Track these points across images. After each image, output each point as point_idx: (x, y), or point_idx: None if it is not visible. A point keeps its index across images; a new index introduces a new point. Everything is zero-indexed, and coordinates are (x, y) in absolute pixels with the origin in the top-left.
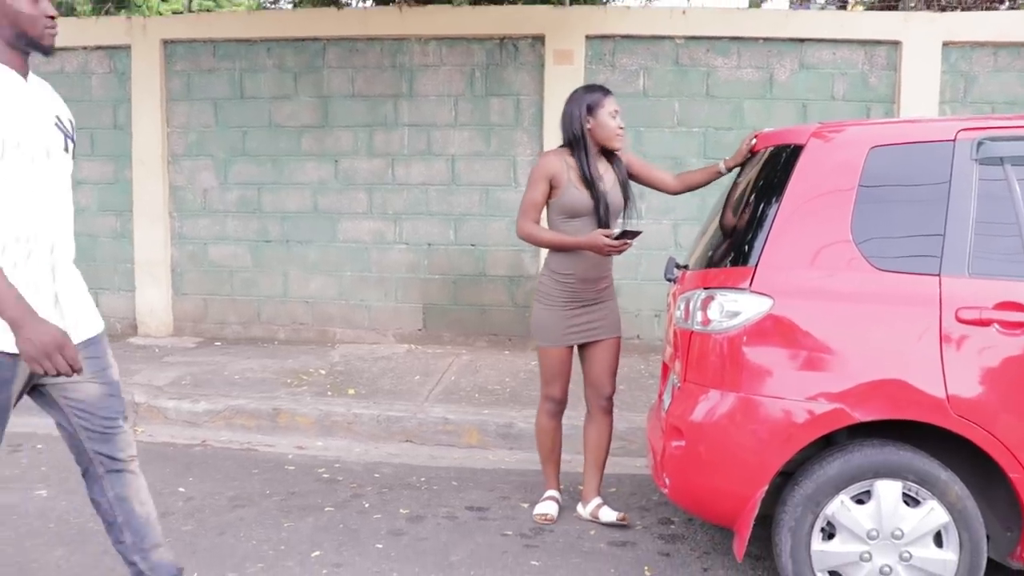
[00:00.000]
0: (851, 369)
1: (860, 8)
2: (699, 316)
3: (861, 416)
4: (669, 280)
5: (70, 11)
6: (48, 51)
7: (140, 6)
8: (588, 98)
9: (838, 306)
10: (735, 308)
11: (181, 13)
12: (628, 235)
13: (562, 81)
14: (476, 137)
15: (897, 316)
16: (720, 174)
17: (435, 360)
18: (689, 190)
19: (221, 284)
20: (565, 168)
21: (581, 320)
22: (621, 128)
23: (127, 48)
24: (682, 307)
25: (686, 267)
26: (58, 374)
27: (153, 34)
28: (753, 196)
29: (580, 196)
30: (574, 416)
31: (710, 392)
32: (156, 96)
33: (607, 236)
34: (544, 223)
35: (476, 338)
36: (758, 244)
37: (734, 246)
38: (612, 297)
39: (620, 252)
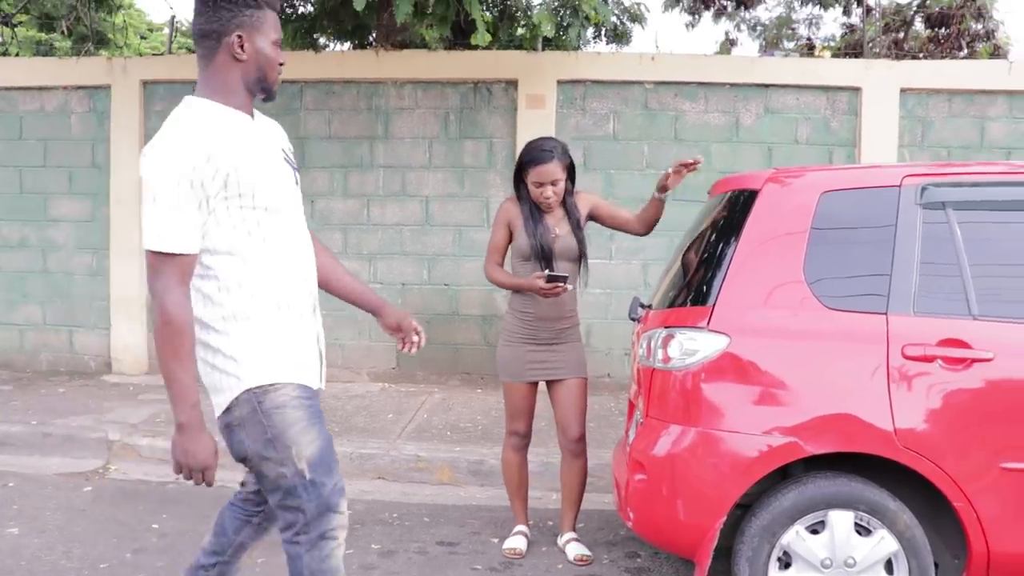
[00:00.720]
0: (804, 404)
1: (827, 53)
2: (660, 354)
3: (814, 449)
4: (633, 320)
5: (50, 50)
6: (274, 95)
7: (121, 47)
8: (520, 161)
9: (791, 344)
10: (694, 346)
11: (161, 54)
12: (555, 279)
13: (535, 125)
14: (450, 179)
15: (847, 353)
16: (661, 201)
17: (408, 398)
18: (648, 226)
19: None
20: (519, 215)
21: (540, 357)
22: (547, 198)
23: (107, 88)
24: (644, 345)
25: (650, 307)
26: (184, 477)
27: (133, 75)
28: (712, 238)
29: (527, 243)
30: (543, 453)
31: (671, 427)
32: (135, 135)
33: (540, 278)
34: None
35: (449, 376)
36: (716, 284)
37: (694, 286)
38: (576, 339)
39: (556, 295)
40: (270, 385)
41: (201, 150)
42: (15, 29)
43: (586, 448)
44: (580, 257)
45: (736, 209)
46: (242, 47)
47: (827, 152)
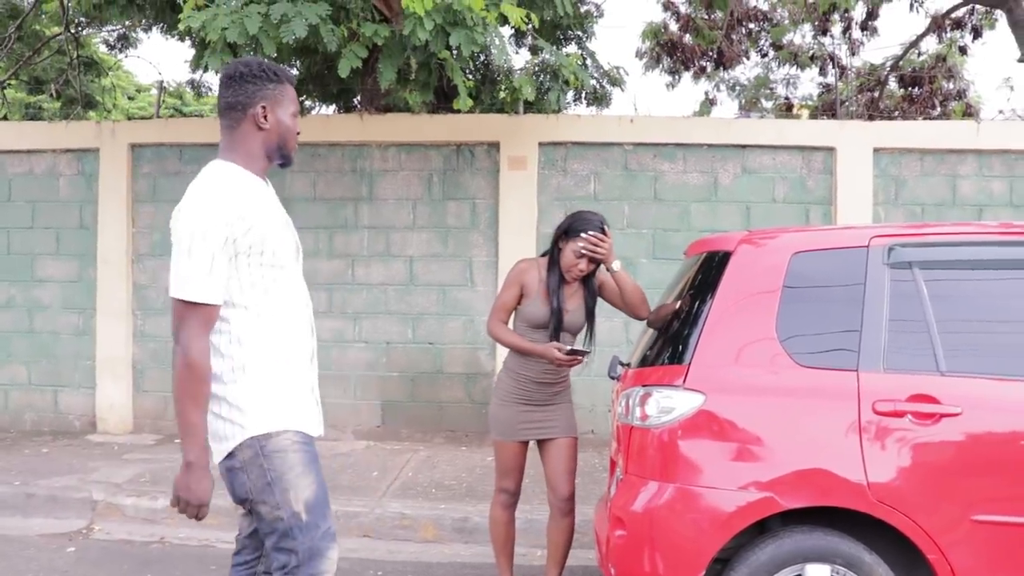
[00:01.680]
0: (780, 459)
1: (805, 112)
2: (638, 412)
3: (790, 503)
4: (613, 378)
5: (39, 113)
6: (291, 162)
7: (109, 110)
8: (569, 224)
9: (765, 400)
10: (670, 404)
11: (149, 116)
12: (578, 353)
13: (516, 185)
14: (434, 239)
15: (820, 409)
16: (617, 275)
17: (393, 456)
18: (635, 307)
19: None
20: (536, 280)
21: (534, 417)
22: (580, 271)
23: (95, 151)
24: (623, 404)
25: (628, 365)
26: (179, 510)
27: (122, 138)
28: (688, 298)
29: (541, 311)
30: (527, 509)
31: (649, 483)
32: (122, 197)
33: (560, 350)
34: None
35: (434, 434)
36: (691, 343)
37: (670, 345)
38: (567, 400)
39: (570, 366)
40: (273, 432)
41: (235, 209)
42: (4, 92)
43: (575, 507)
44: (586, 331)
45: (711, 269)
46: (265, 117)
47: (804, 210)
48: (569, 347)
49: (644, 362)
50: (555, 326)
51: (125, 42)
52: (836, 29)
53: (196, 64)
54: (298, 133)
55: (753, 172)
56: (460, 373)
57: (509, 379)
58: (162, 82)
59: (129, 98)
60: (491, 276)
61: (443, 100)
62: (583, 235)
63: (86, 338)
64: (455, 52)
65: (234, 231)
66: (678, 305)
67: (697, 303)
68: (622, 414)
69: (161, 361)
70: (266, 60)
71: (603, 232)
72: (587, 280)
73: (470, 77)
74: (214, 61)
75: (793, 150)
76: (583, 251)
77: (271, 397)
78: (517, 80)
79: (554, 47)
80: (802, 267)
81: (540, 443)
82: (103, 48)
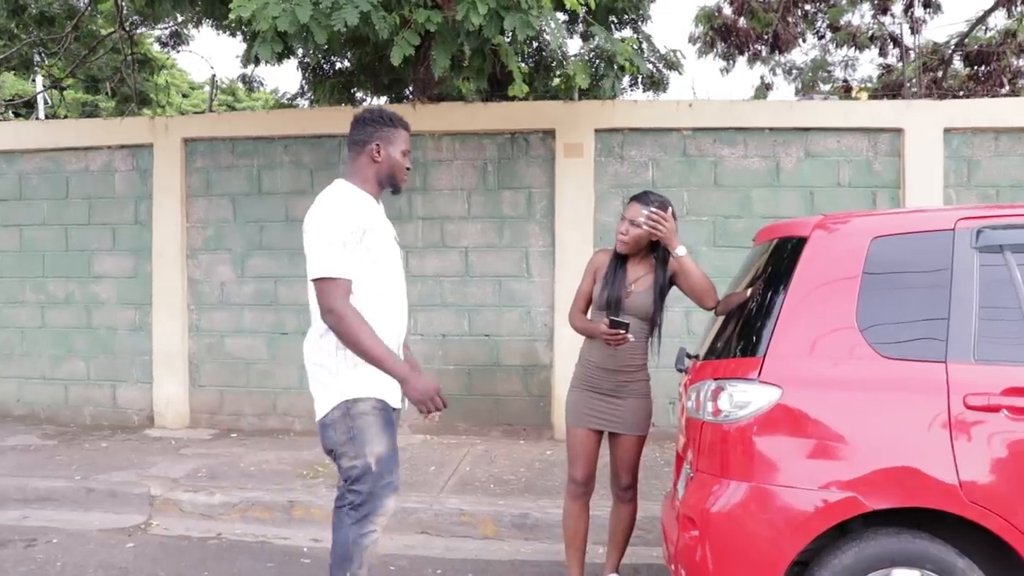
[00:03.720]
0: (862, 457)
1: (864, 95)
2: (709, 407)
3: (874, 504)
4: (680, 371)
5: (95, 111)
6: (400, 191)
7: (163, 107)
8: (632, 199)
9: (846, 395)
10: (744, 399)
11: (202, 112)
12: (616, 324)
13: (572, 174)
14: (489, 229)
15: (906, 404)
16: (680, 259)
17: (450, 451)
18: (701, 296)
19: (237, 376)
20: (604, 265)
21: (599, 406)
22: (621, 232)
23: (149, 147)
24: (693, 398)
25: (697, 357)
26: (430, 412)
27: (175, 133)
28: (759, 287)
29: (597, 291)
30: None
31: (722, 482)
32: (176, 192)
33: (604, 323)
34: None
35: (491, 428)
36: (765, 334)
37: (742, 336)
38: (639, 395)
39: (617, 343)
40: (360, 398)
41: (353, 212)
42: (63, 92)
43: (636, 496)
44: (651, 319)
45: (784, 257)
46: (379, 152)
47: (870, 195)
48: (611, 318)
49: (713, 354)
50: (613, 305)
51: (178, 39)
52: (897, 7)
53: (247, 58)
54: (408, 168)
55: (816, 156)
56: (517, 365)
57: (579, 364)
58: (214, 76)
59: (183, 96)
60: (548, 266)
61: (496, 88)
62: (644, 208)
63: (142, 333)
64: (509, 38)
65: (353, 226)
66: (749, 294)
67: (770, 292)
68: (692, 409)
69: (216, 356)
70: (386, 108)
71: (666, 212)
72: (660, 267)
73: (523, 64)
74: (264, 51)
75: (858, 132)
76: (640, 222)
77: (362, 368)
78: (571, 67)
79: (608, 32)
80: (883, 252)
81: (610, 435)
82: (156, 47)
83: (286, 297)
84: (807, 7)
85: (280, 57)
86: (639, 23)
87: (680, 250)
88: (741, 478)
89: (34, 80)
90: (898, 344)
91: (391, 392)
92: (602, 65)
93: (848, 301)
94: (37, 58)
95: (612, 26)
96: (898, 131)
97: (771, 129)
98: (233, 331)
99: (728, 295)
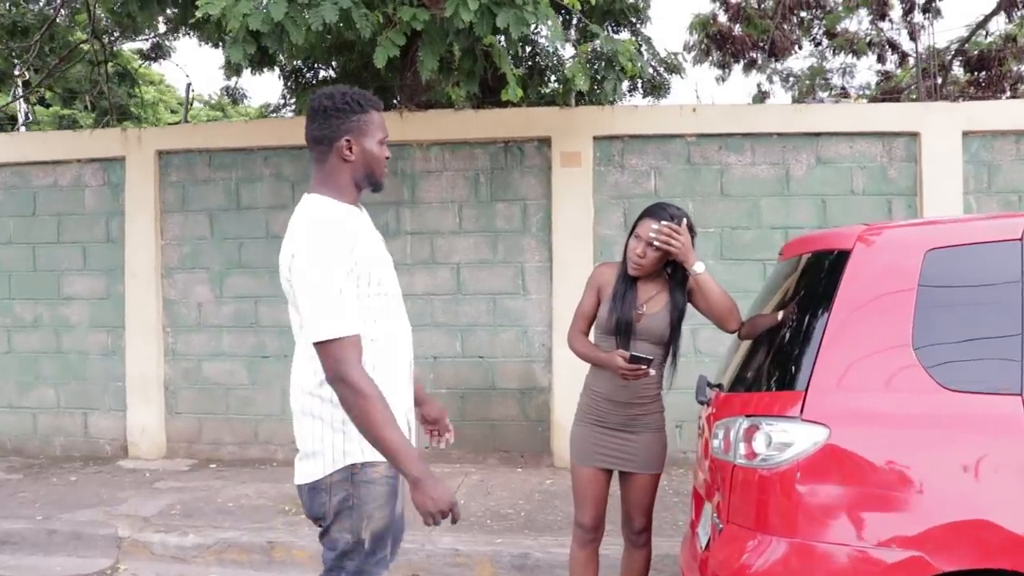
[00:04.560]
0: (928, 509)
1: (862, 102)
2: (742, 448)
3: (944, 565)
4: (701, 403)
5: (73, 125)
6: (382, 187)
7: (141, 121)
8: (643, 212)
9: (906, 434)
10: (785, 439)
11: (177, 123)
12: (638, 360)
13: (570, 184)
14: (482, 244)
15: (976, 444)
16: (699, 277)
17: (443, 480)
18: (723, 317)
19: (216, 402)
20: (612, 282)
21: (610, 443)
22: (637, 255)
23: (121, 160)
24: (720, 437)
25: (720, 387)
26: (436, 524)
27: (148, 145)
28: (793, 307)
29: (604, 312)
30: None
31: (759, 537)
32: (150, 208)
33: (622, 357)
34: None
35: (487, 455)
36: (806, 363)
37: (778, 366)
38: (654, 428)
39: (635, 378)
40: (367, 462)
41: (345, 243)
42: (46, 107)
43: (650, 540)
44: (666, 343)
45: (821, 273)
46: (350, 149)
47: (886, 203)
48: (632, 354)
49: (742, 384)
50: (623, 331)
51: (159, 51)
52: (896, 13)
53: (227, 67)
54: (387, 157)
55: (828, 162)
56: (514, 389)
57: (585, 396)
58: (189, 85)
59: (172, 111)
60: (545, 283)
61: (488, 94)
62: (656, 224)
63: (115, 358)
64: (502, 39)
65: (349, 264)
66: (780, 316)
67: (807, 314)
68: (719, 449)
69: (193, 381)
70: (351, 88)
71: (681, 225)
72: (676, 284)
73: (517, 69)
74: (236, 52)
75: (872, 136)
76: (652, 239)
77: None
78: (569, 69)
79: (606, 33)
80: (939, 267)
81: (620, 474)
82: (138, 60)
83: (267, 318)
84: (803, 14)
85: (259, 64)
86: (638, 25)
87: (698, 267)
88: (782, 533)
89: (15, 94)
90: (964, 373)
91: None
92: (602, 66)
93: (901, 324)
94: (18, 72)
95: (609, 30)
96: (914, 135)
97: (779, 134)
98: (211, 355)
99: (754, 317)
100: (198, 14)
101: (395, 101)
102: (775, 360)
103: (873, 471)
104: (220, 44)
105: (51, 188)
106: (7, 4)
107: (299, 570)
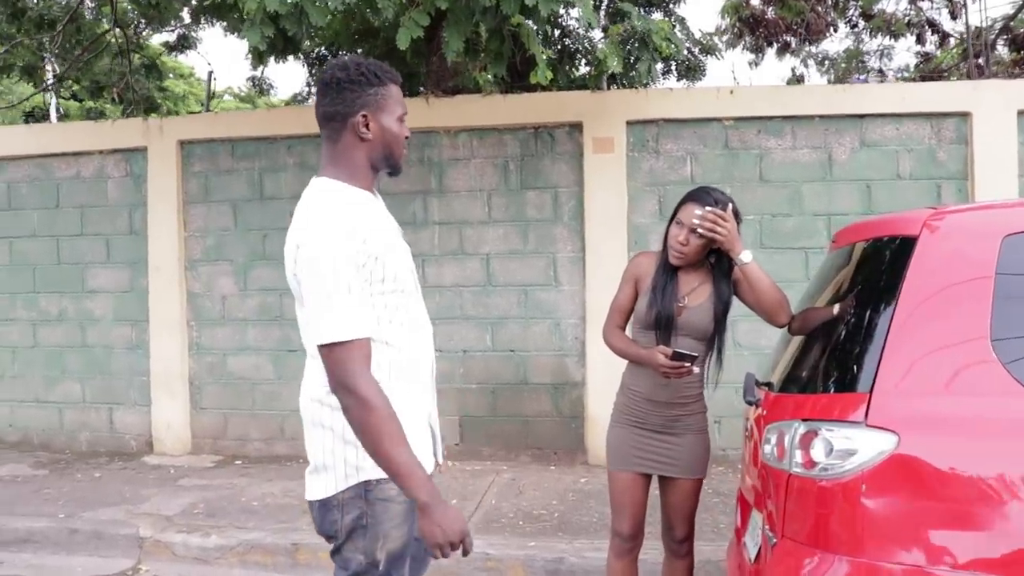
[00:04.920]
0: (1014, 527)
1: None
2: (798, 456)
3: None
4: (750, 403)
5: (100, 117)
6: (400, 171)
7: (172, 110)
8: (684, 197)
9: (987, 442)
10: (847, 447)
11: (199, 111)
12: (681, 357)
13: (603, 170)
14: (512, 234)
15: None
16: (746, 267)
17: (474, 479)
18: (773, 311)
19: (242, 397)
20: (650, 272)
21: (649, 445)
22: (679, 243)
23: (143, 150)
24: (772, 442)
25: (769, 386)
26: (445, 556)
27: (170, 135)
28: (852, 300)
29: (642, 305)
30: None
31: (818, 555)
32: (172, 199)
33: (664, 354)
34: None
35: (518, 452)
36: (869, 362)
37: (836, 364)
38: (697, 430)
39: (678, 376)
40: (383, 478)
41: (357, 234)
42: (79, 101)
43: (692, 549)
44: (711, 339)
45: (884, 262)
46: (367, 127)
47: (935, 187)
48: (676, 350)
49: (796, 384)
50: (664, 325)
51: (185, 42)
52: None
53: (253, 56)
54: (407, 137)
55: (873, 145)
56: (546, 383)
57: (622, 396)
58: (211, 74)
59: (201, 104)
60: (577, 273)
61: (517, 79)
62: (700, 209)
63: (140, 352)
64: (530, 17)
65: (362, 258)
66: (836, 310)
67: (868, 308)
68: (772, 456)
69: (218, 376)
70: (366, 59)
71: (727, 211)
72: (721, 275)
73: (547, 50)
74: (253, 35)
75: (919, 117)
76: (696, 226)
77: None
78: (601, 50)
79: (640, 11)
80: (1018, 254)
81: (660, 479)
82: (165, 51)
83: (292, 311)
84: None
85: (282, 51)
86: (671, 5)
87: (745, 255)
88: (845, 552)
89: (42, 86)
90: None
91: (423, 460)
92: (635, 47)
93: (978, 319)
94: (50, 67)
95: (640, 11)
96: (964, 115)
97: (821, 116)
98: (236, 349)
99: (806, 310)
100: None
101: (421, 87)
102: (833, 358)
103: (949, 483)
104: (238, 30)
105: (74, 180)
106: None
107: (324, 573)
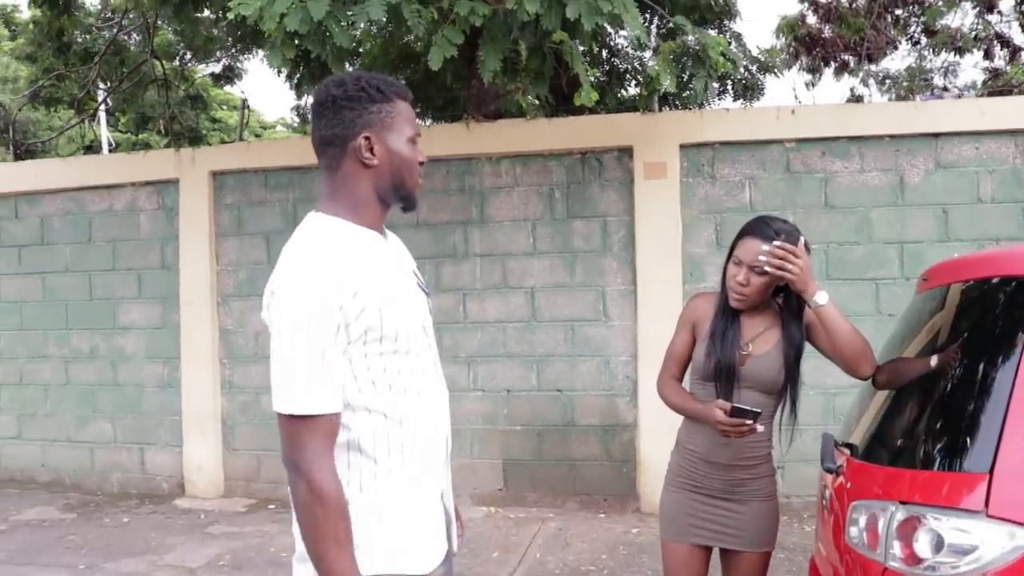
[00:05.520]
0: None
1: None
2: (897, 549)
3: None
4: (829, 471)
5: (146, 148)
6: (415, 204)
7: (226, 140)
8: (742, 229)
9: None
10: (964, 542)
11: (231, 141)
12: (741, 413)
13: (655, 197)
14: (558, 266)
15: None
16: (821, 309)
17: (517, 528)
18: (851, 359)
19: (275, 438)
20: (709, 316)
21: (708, 514)
22: (738, 283)
23: (175, 182)
24: (861, 524)
25: (852, 449)
26: None
27: (202, 166)
28: (957, 353)
29: (700, 354)
30: None
31: None
32: (205, 231)
33: (723, 409)
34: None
35: (565, 499)
36: (987, 432)
37: (940, 433)
38: (760, 497)
39: (739, 435)
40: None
41: (347, 284)
42: (127, 135)
43: None
44: (779, 392)
45: (995, 308)
46: (371, 150)
47: (1020, 211)
48: (735, 405)
49: (884, 450)
50: (725, 377)
51: (230, 73)
52: (1005, 4)
53: (295, 87)
54: (422, 163)
55: (950, 166)
56: (595, 425)
57: (677, 456)
58: (245, 102)
59: (256, 135)
60: (628, 308)
61: (562, 101)
62: (764, 244)
63: (171, 390)
64: (574, 34)
65: (346, 314)
66: (934, 363)
67: (979, 362)
68: (859, 541)
69: (252, 416)
70: (368, 73)
71: (796, 245)
72: (791, 317)
73: (593, 70)
74: (275, 58)
75: (1002, 135)
76: (762, 264)
77: (386, 530)
78: (652, 68)
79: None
80: None
81: (722, 551)
82: (211, 82)
83: None
84: (899, 11)
85: (319, 77)
86: (724, 21)
87: (820, 296)
88: None
89: (97, 122)
90: None
91: (430, 553)
92: (690, 63)
93: None
94: (99, 101)
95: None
96: None
97: (892, 137)
98: (270, 387)
99: (895, 361)
100: (230, 15)
101: (463, 113)
102: (935, 424)
103: None
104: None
105: (106, 213)
106: (80, 32)
107: None
